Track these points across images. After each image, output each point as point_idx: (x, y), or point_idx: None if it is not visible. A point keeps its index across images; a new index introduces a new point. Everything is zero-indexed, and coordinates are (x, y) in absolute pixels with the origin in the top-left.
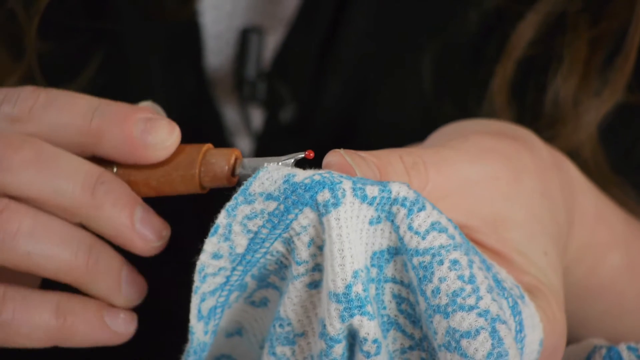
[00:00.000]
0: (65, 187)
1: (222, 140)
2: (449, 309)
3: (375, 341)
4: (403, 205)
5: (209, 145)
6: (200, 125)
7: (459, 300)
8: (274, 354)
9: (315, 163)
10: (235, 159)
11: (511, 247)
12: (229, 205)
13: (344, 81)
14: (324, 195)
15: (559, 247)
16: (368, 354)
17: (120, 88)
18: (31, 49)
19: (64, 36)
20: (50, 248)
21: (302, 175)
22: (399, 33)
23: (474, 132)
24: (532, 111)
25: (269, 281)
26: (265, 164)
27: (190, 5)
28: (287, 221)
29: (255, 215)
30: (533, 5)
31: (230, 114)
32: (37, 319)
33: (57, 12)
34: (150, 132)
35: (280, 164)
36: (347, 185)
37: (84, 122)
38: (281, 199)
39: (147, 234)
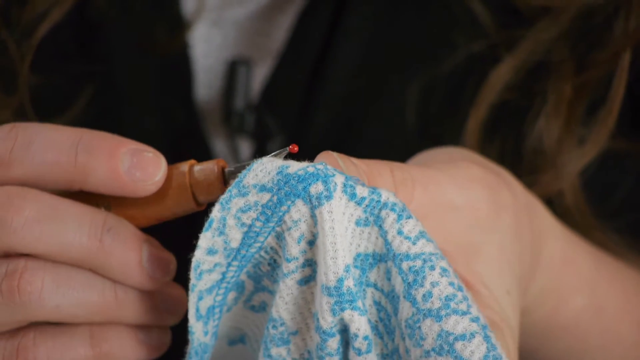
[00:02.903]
0: (72, 240)
1: None
2: (442, 313)
3: (366, 338)
4: (393, 210)
5: (191, 163)
6: (189, 157)
7: (452, 304)
8: (269, 356)
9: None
10: (222, 169)
11: (478, 279)
12: (222, 198)
13: (331, 114)
14: (317, 188)
15: (520, 289)
16: (359, 351)
17: (111, 120)
18: (23, 84)
19: (56, 69)
20: (77, 296)
21: (296, 166)
22: (386, 67)
23: (462, 159)
24: (511, 156)
25: (264, 284)
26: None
27: (180, 37)
28: (280, 213)
29: (249, 208)
30: (512, 50)
31: (219, 145)
32: (74, 355)
33: (49, 45)
34: (138, 168)
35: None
36: (339, 180)
37: (68, 159)
38: (274, 190)
39: (155, 273)
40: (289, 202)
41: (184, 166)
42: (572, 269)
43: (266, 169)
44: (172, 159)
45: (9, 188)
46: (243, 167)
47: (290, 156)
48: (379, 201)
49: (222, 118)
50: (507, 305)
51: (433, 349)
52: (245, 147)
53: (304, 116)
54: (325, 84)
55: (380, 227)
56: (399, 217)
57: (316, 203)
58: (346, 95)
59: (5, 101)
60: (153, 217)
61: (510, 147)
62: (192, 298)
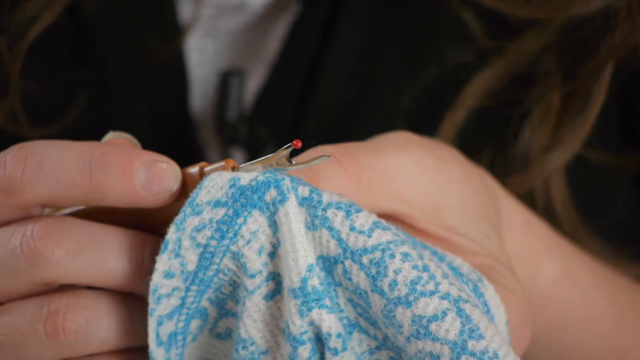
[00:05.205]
0: (114, 267)
1: None
2: (411, 298)
3: (339, 335)
4: (339, 208)
5: (202, 165)
6: (183, 166)
7: (418, 287)
8: None
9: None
10: (233, 169)
11: (454, 233)
12: (177, 218)
13: (322, 123)
14: (271, 194)
15: (497, 232)
16: (335, 351)
17: (106, 127)
18: (15, 88)
19: (51, 76)
20: (121, 329)
21: (247, 177)
22: (377, 77)
23: (391, 133)
24: (488, 161)
25: (227, 308)
26: (213, 174)
27: (175, 44)
28: (236, 227)
29: (204, 226)
30: (499, 55)
31: (212, 155)
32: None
33: (42, 50)
34: (154, 182)
35: (276, 162)
36: (288, 182)
37: (83, 179)
38: (230, 203)
39: None
40: (245, 213)
41: (195, 169)
42: (533, 233)
43: (217, 184)
44: None
45: (46, 220)
46: (254, 167)
47: (295, 152)
48: (320, 201)
49: (215, 128)
50: (490, 247)
51: (411, 335)
52: (238, 157)
53: (296, 126)
54: (317, 94)
55: (329, 228)
56: (348, 213)
57: (273, 209)
58: (338, 104)
59: None
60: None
61: (489, 154)
62: (152, 323)
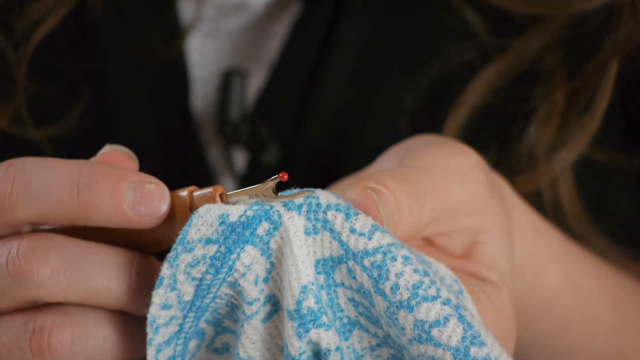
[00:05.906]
0: (101, 286)
1: (206, 181)
2: (413, 302)
3: (337, 349)
4: (338, 210)
5: (191, 189)
6: (184, 166)
7: (420, 292)
8: None
9: (289, 185)
10: (221, 197)
11: (478, 249)
12: (169, 256)
13: (325, 123)
14: (263, 227)
15: (514, 253)
16: None
17: (108, 128)
18: (20, 90)
19: (52, 76)
20: (108, 347)
21: (236, 213)
22: (379, 77)
23: (456, 150)
24: (494, 159)
25: (224, 326)
26: (217, 203)
27: (176, 44)
28: (230, 262)
29: (198, 262)
30: (503, 52)
31: (214, 155)
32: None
33: (46, 52)
34: (142, 203)
35: (262, 193)
36: (278, 206)
37: (71, 199)
38: (221, 240)
39: None
40: (238, 250)
41: (184, 192)
42: (544, 241)
43: (207, 221)
44: (168, 168)
45: (32, 237)
46: (242, 197)
47: (281, 183)
48: (319, 204)
49: (217, 128)
50: (507, 268)
51: (413, 338)
52: (239, 157)
53: (298, 126)
54: (319, 94)
55: (330, 230)
56: (347, 215)
57: (267, 239)
58: (340, 104)
59: (2, 108)
60: (163, 244)
61: (494, 152)
62: (150, 351)
